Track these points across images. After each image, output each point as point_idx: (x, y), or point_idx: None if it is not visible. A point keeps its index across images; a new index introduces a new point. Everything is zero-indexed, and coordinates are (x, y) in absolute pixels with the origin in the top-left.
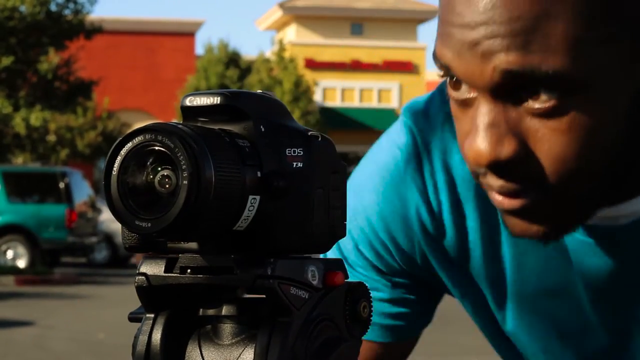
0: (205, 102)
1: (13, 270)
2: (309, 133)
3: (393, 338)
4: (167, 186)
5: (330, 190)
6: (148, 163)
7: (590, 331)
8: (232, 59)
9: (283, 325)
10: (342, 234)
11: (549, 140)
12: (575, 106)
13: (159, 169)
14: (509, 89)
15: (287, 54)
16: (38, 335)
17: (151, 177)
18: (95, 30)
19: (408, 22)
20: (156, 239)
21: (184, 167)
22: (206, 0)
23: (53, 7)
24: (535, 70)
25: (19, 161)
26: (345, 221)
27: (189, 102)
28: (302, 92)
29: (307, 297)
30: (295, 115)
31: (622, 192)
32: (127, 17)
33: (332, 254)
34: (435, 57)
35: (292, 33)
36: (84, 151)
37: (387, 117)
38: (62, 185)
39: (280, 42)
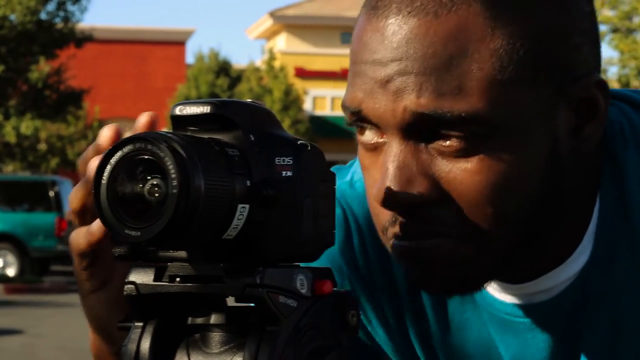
0: (195, 111)
1: (2, 278)
2: (298, 142)
3: None
4: (156, 195)
5: (319, 198)
6: (137, 172)
7: None
8: (223, 68)
9: (272, 334)
10: (331, 242)
11: (461, 182)
12: (486, 148)
13: (149, 177)
14: (419, 129)
15: (277, 63)
16: (27, 344)
17: (140, 186)
18: (85, 39)
19: None
20: (145, 248)
21: (173, 176)
22: (197, 9)
23: (43, 16)
24: (446, 113)
25: (9, 170)
26: (334, 229)
27: (178, 111)
28: (292, 100)
29: (295, 305)
30: (285, 124)
31: (539, 263)
32: (117, 25)
33: None
34: (345, 105)
35: (282, 42)
36: (75, 160)
37: None
38: (52, 193)
39: (271, 51)
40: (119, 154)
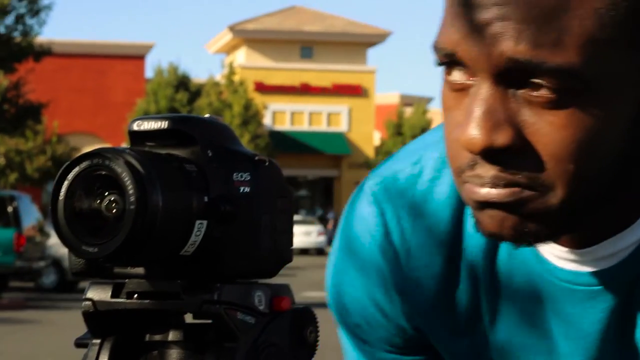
0: (152, 127)
1: None
2: (256, 158)
3: None
4: (113, 211)
5: (277, 214)
6: (95, 188)
7: None
8: (182, 82)
9: (229, 351)
10: (289, 258)
11: (546, 135)
12: (576, 103)
13: (106, 193)
14: (512, 77)
15: (236, 78)
16: None
17: (98, 201)
18: (44, 53)
19: (358, 45)
20: (103, 264)
21: (130, 192)
22: (156, 23)
23: (2, 30)
24: (542, 63)
25: None
26: (292, 246)
27: (136, 126)
28: (251, 115)
29: (253, 322)
30: (245, 138)
31: (606, 225)
32: (76, 39)
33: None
34: (437, 46)
35: (242, 56)
36: (33, 175)
37: (336, 140)
38: (10, 209)
39: (230, 66)
40: (76, 170)
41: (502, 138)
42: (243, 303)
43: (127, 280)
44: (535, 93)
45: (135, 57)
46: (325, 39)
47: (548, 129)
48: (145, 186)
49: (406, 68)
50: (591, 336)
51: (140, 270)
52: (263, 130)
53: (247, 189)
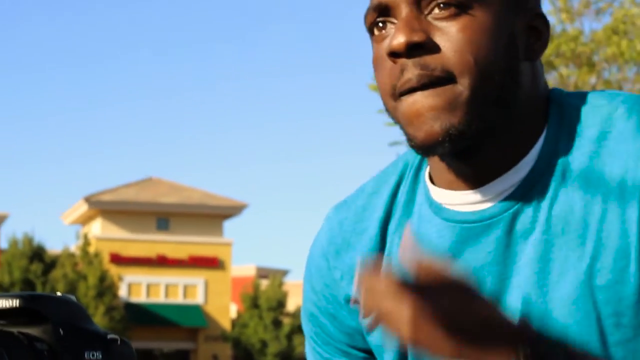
0: (3, 305)
1: None
2: (108, 336)
3: None
4: None
5: None
6: None
7: None
8: (37, 253)
9: None
10: None
11: (450, 35)
12: (468, 14)
13: None
14: (422, 3)
15: (92, 249)
16: None
17: None
18: None
19: (214, 217)
20: None
21: None
22: (11, 192)
23: None
24: None
25: None
26: None
27: None
28: (107, 287)
29: None
30: (100, 310)
31: (494, 163)
32: None
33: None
34: (368, 11)
35: (98, 227)
36: None
37: (192, 312)
38: None
39: (85, 237)
40: None
41: (419, 36)
42: None
43: None
44: (440, 12)
45: None
46: (182, 211)
47: (452, 31)
48: None
49: (262, 240)
50: (479, 272)
51: None
52: (118, 302)
53: None
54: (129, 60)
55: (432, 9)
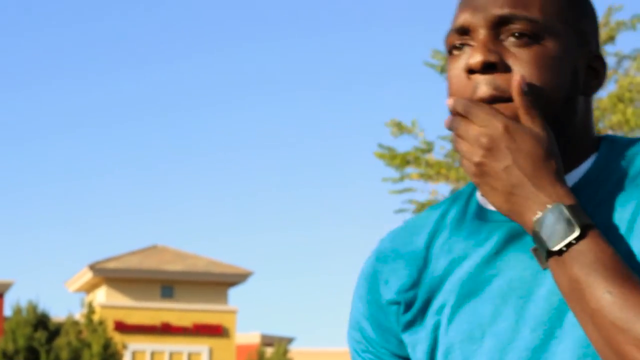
0: None
1: None
2: None
3: None
4: None
5: None
6: None
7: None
8: (41, 321)
9: None
10: None
11: (521, 60)
12: (539, 45)
13: None
14: (499, 27)
15: (96, 317)
16: None
17: None
18: None
19: (218, 285)
20: None
21: None
22: (15, 260)
23: None
24: (517, 14)
25: None
26: None
27: None
28: (111, 355)
29: None
30: None
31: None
32: None
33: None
34: (453, 27)
35: (102, 295)
36: None
37: None
38: None
39: (90, 305)
40: None
41: (493, 57)
42: None
43: None
44: (515, 40)
45: None
46: (187, 279)
47: (523, 56)
48: None
49: (267, 308)
50: (525, 267)
51: None
52: None
53: None
54: (132, 127)
55: (508, 37)
